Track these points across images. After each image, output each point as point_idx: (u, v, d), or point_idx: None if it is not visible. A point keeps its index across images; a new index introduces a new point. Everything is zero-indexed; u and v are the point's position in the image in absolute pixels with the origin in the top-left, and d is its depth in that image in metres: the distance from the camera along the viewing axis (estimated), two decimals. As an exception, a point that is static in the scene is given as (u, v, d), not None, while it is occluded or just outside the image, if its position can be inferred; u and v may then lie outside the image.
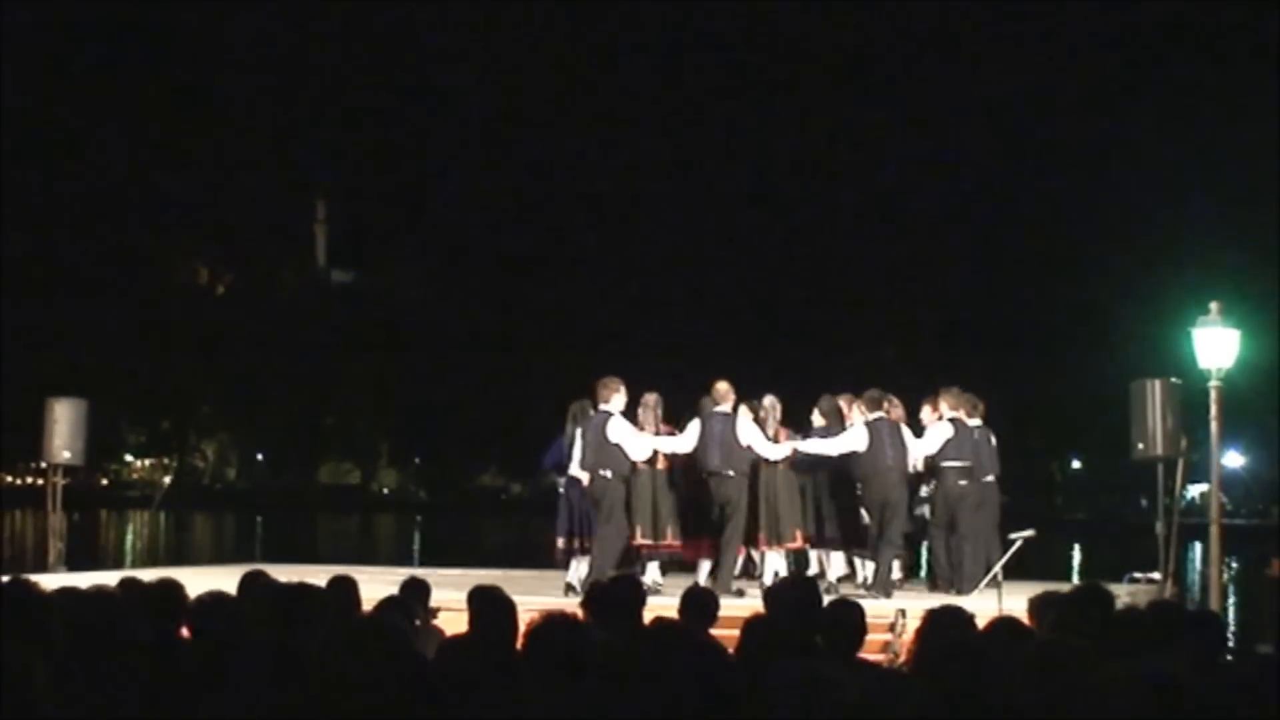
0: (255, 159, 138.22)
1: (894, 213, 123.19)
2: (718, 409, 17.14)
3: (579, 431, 16.96)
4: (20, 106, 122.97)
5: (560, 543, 17.36)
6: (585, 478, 16.69)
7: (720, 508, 16.99)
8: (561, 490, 17.61)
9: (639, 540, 17.08)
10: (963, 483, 17.48)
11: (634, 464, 16.91)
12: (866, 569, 17.58)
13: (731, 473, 16.89)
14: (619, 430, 16.69)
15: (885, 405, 17.38)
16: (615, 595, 8.35)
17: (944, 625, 6.78)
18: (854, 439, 17.18)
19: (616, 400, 16.84)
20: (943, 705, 5.25)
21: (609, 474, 16.62)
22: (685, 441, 17.02)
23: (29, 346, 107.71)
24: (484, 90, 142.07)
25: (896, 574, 17.41)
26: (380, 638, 5.88)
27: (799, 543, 17.70)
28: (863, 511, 17.35)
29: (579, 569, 17.00)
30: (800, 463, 17.51)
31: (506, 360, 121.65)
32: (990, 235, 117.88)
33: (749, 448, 17.07)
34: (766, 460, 17.23)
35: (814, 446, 17.44)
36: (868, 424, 17.21)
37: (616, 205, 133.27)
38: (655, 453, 17.14)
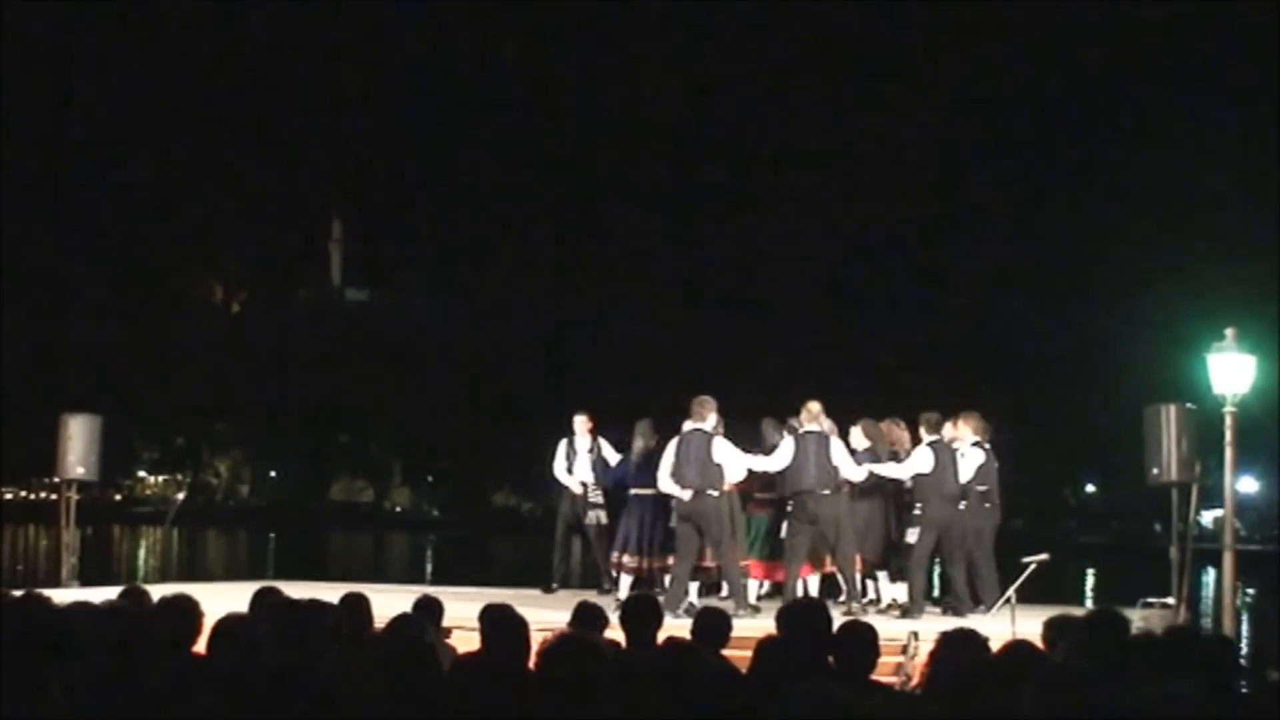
0: (271, 177, 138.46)
1: (907, 234, 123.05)
2: (808, 428, 17.18)
3: (673, 447, 16.84)
4: (37, 122, 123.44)
5: (617, 559, 17.25)
6: (687, 495, 16.55)
7: (820, 525, 17.03)
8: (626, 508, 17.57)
9: (706, 561, 17.15)
10: (987, 506, 17.72)
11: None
12: (887, 590, 17.70)
13: (828, 491, 16.96)
14: (722, 450, 16.68)
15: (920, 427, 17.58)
16: (636, 613, 8.37)
17: (957, 648, 6.78)
18: (921, 461, 17.32)
19: (712, 419, 16.87)
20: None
21: (715, 493, 16.56)
22: (778, 460, 17.04)
23: (43, 362, 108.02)
24: (501, 111, 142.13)
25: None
26: (410, 653, 5.89)
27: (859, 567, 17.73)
28: (911, 532, 17.36)
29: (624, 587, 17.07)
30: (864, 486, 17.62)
31: (520, 380, 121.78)
32: (1005, 259, 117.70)
33: (838, 468, 17.16)
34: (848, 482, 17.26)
35: (890, 470, 17.57)
36: (931, 446, 17.37)
37: (633, 226, 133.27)
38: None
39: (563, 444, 20.06)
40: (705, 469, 16.55)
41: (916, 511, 17.39)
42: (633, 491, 17.23)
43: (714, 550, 16.65)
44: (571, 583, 20.24)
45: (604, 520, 19.58)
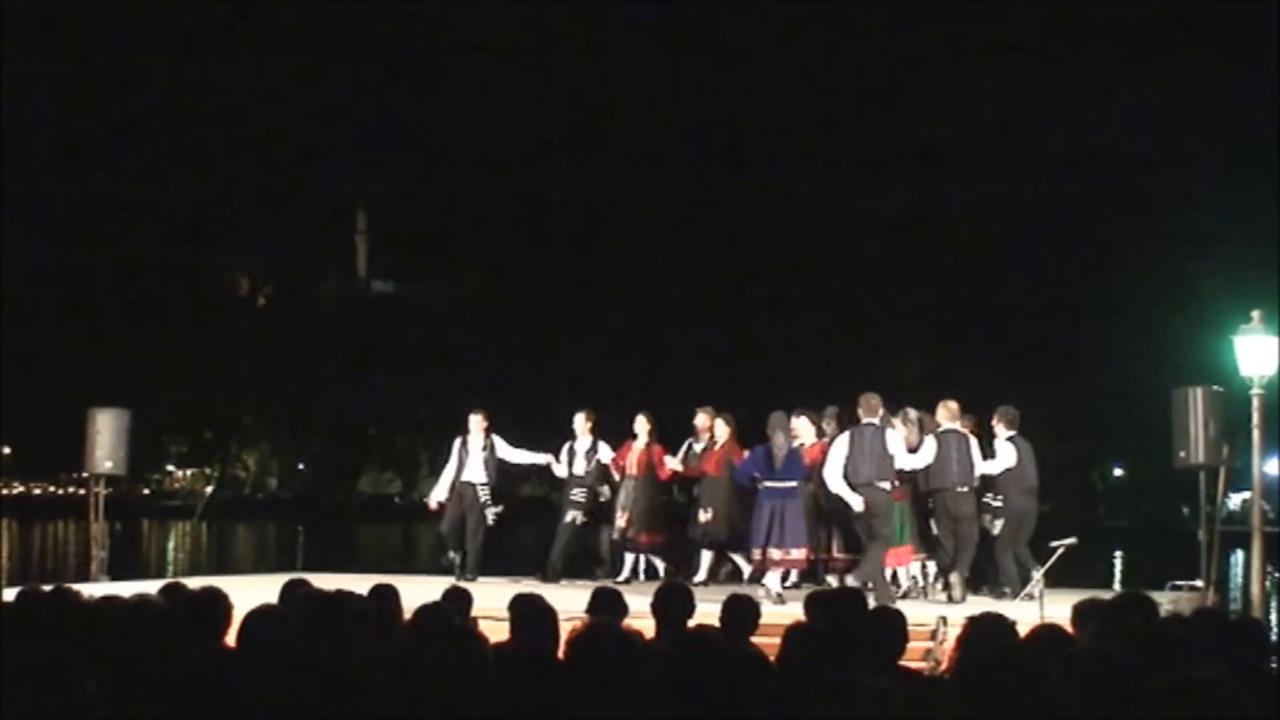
0: (296, 171, 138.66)
1: (934, 220, 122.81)
2: (947, 427, 17.34)
3: (845, 443, 16.83)
4: (61, 117, 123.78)
5: (758, 555, 17.25)
6: (858, 499, 16.61)
7: (960, 522, 17.20)
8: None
9: (835, 553, 17.38)
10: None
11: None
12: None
13: (966, 489, 17.22)
14: (895, 443, 16.83)
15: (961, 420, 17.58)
16: (668, 602, 8.39)
17: (986, 632, 6.78)
18: (1008, 456, 17.48)
19: (881, 413, 16.97)
20: (984, 713, 5.24)
21: (887, 485, 16.70)
22: (923, 458, 17.16)
23: (71, 357, 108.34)
24: (526, 103, 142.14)
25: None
26: (450, 638, 5.91)
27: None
28: (996, 524, 17.41)
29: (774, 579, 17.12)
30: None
31: (545, 370, 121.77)
32: (1032, 244, 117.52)
33: (974, 466, 17.37)
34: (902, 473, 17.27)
35: (987, 467, 17.64)
36: (1011, 440, 17.55)
37: (651, 216, 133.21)
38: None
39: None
40: (880, 462, 16.67)
41: (997, 503, 17.51)
42: (767, 484, 17.19)
43: (869, 541, 16.70)
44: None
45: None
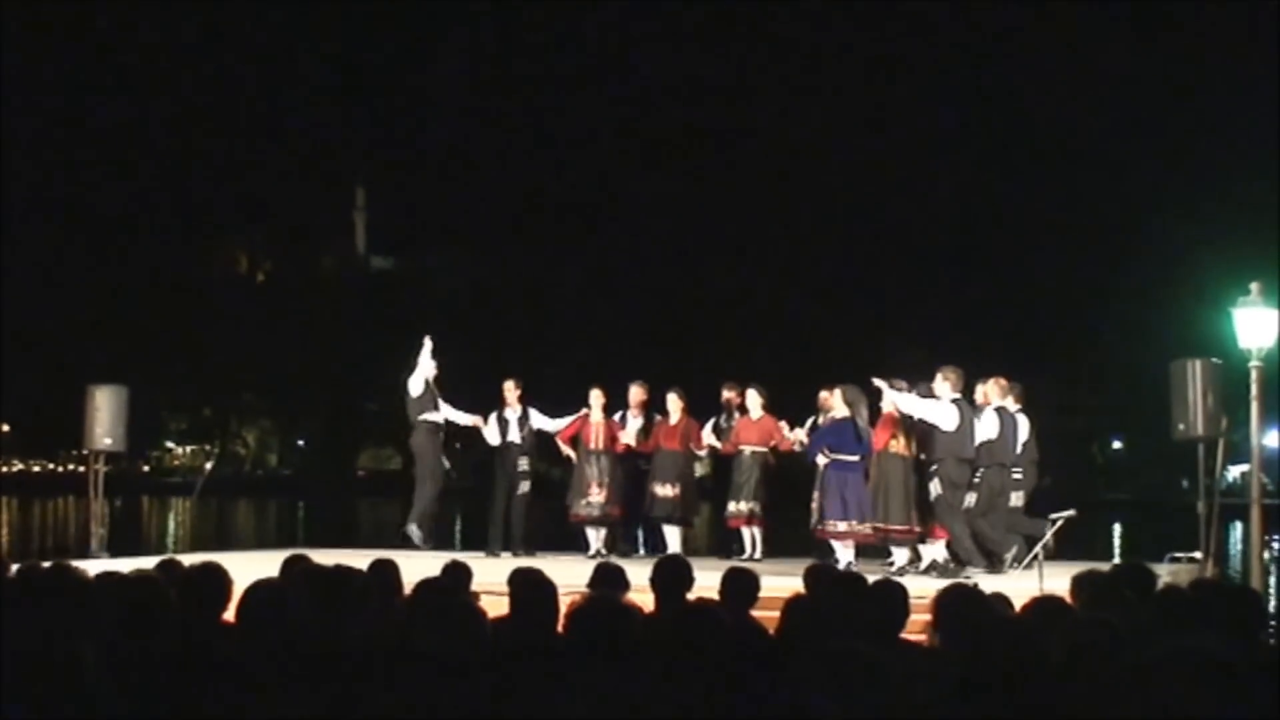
0: (294, 146, 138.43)
1: (930, 191, 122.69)
2: (999, 404, 17.45)
3: (996, 422, 17.02)
4: (59, 92, 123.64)
5: (841, 527, 17.24)
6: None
7: (1003, 497, 17.30)
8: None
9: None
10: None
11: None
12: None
13: (1017, 469, 17.55)
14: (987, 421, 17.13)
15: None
16: (667, 574, 8.40)
17: (957, 604, 6.78)
18: (989, 427, 17.35)
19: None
20: (977, 682, 5.26)
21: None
22: (985, 433, 17.18)
23: (69, 334, 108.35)
24: (524, 79, 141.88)
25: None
26: (451, 611, 5.92)
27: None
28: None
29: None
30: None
31: (546, 346, 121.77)
32: (1030, 215, 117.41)
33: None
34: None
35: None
36: (998, 411, 17.53)
37: (651, 193, 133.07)
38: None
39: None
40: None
41: (1017, 475, 17.57)
42: (840, 457, 17.24)
43: (949, 516, 16.78)
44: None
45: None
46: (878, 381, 16.98)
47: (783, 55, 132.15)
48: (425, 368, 20.79)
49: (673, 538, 19.60)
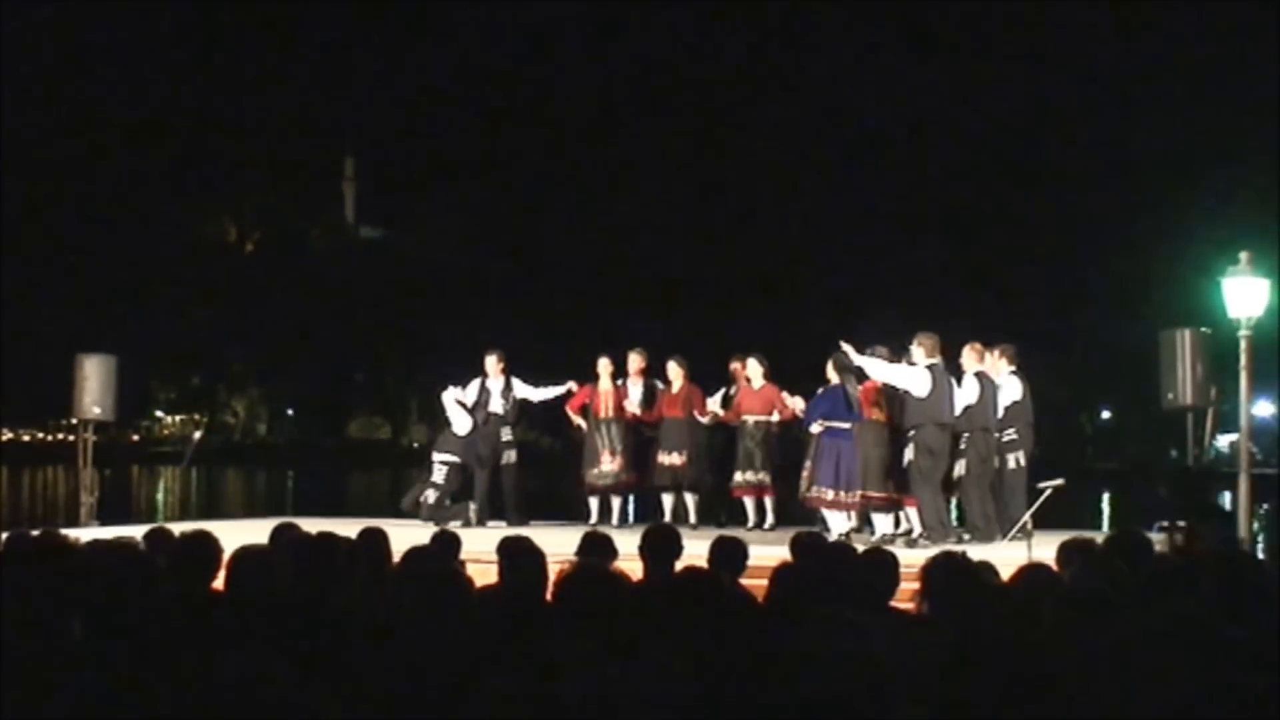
0: (284, 116, 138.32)
1: (922, 161, 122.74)
2: (978, 369, 17.46)
3: (977, 387, 17.08)
4: (51, 62, 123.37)
5: (830, 495, 17.26)
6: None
7: (988, 463, 17.40)
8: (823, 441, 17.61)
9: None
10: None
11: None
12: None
13: (997, 433, 17.62)
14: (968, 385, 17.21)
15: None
16: (656, 544, 8.38)
17: (944, 571, 6.77)
18: (970, 392, 17.31)
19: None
20: (967, 650, 5.26)
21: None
22: (966, 397, 17.21)
23: (58, 303, 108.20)
24: (513, 44, 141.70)
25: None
26: (437, 579, 5.91)
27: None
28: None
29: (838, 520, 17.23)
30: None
31: (536, 314, 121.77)
32: (1019, 186, 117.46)
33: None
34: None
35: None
36: (977, 376, 17.46)
37: (641, 160, 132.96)
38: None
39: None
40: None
41: (1013, 437, 17.63)
42: (833, 425, 17.25)
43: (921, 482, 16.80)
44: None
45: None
46: (845, 347, 16.93)
47: (784, 26, 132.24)
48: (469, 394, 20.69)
49: (690, 505, 19.61)
